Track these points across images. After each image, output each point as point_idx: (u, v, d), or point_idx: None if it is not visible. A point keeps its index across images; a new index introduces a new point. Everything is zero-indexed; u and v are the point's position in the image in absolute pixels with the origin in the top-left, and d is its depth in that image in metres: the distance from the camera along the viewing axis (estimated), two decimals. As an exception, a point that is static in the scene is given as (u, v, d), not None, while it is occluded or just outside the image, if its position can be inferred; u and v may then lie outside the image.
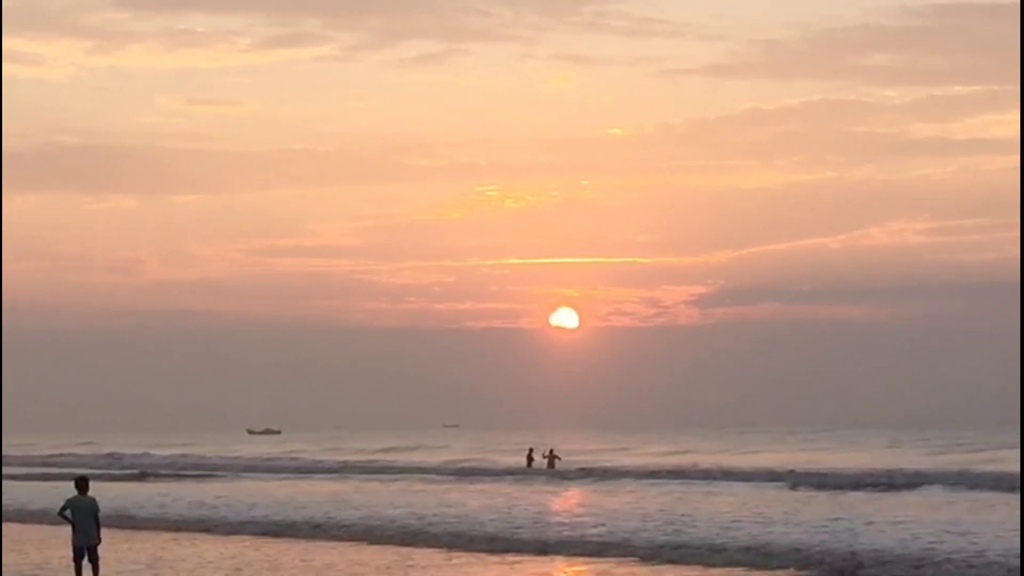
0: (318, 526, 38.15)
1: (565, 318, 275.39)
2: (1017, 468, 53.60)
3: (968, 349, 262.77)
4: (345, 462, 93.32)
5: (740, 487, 54.97)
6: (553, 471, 73.86)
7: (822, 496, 48.20)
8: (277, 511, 43.23)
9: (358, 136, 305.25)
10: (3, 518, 42.94)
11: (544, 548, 31.36)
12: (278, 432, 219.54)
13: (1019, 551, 23.79)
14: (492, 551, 31.08)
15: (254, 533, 37.45)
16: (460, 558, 29.91)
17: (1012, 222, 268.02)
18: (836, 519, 35.47)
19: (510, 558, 29.63)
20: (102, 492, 30.37)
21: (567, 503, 47.05)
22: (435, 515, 39.87)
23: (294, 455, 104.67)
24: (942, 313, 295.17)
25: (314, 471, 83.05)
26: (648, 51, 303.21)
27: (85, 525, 26.81)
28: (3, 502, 47.66)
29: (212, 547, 33.63)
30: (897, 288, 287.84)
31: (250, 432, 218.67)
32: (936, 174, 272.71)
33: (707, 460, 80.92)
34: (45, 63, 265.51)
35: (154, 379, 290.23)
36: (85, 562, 26.88)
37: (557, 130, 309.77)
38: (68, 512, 26.92)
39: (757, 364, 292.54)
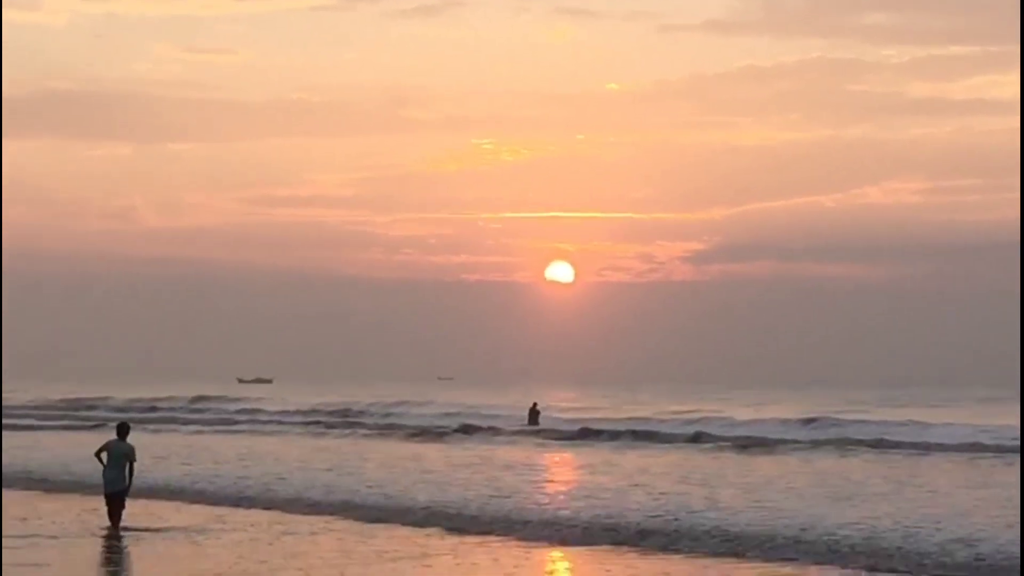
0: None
1: (560, 272, 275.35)
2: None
3: (964, 309, 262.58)
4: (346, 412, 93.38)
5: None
6: (537, 427, 73.63)
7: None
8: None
9: (355, 87, 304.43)
10: None
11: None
12: (269, 381, 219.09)
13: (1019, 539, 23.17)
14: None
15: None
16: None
17: (1009, 183, 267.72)
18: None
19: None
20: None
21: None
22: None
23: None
24: (938, 273, 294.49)
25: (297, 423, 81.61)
26: (646, 6, 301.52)
27: (115, 470, 26.62)
28: None
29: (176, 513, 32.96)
30: (893, 247, 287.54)
31: (240, 381, 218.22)
32: (933, 134, 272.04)
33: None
34: (42, 8, 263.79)
35: (147, 327, 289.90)
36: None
37: (554, 84, 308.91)
38: (103, 455, 26.70)
39: (752, 321, 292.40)
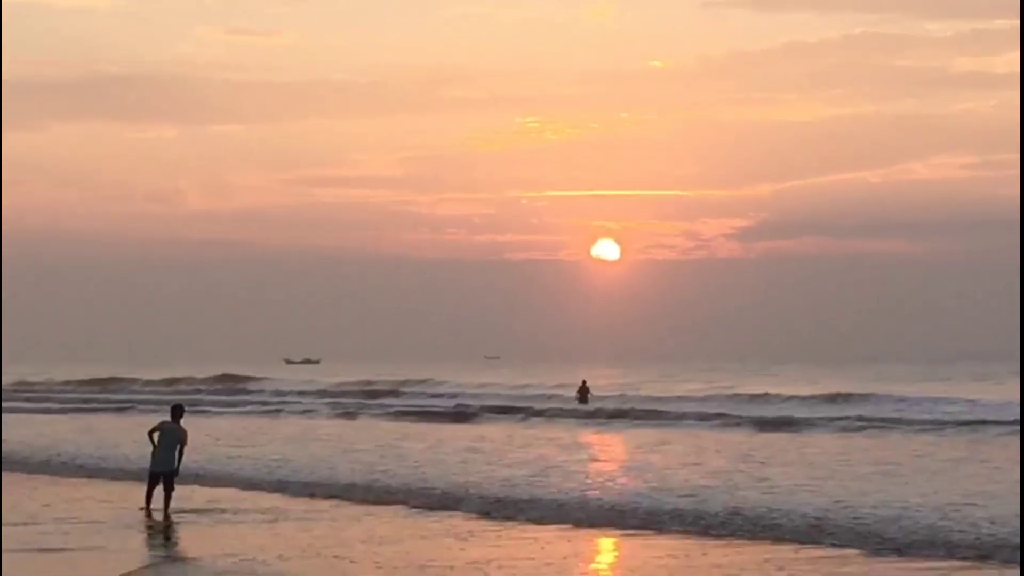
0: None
1: (606, 250, 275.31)
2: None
3: (1009, 283, 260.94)
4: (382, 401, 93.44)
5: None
6: (587, 406, 73.63)
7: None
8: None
9: (398, 67, 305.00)
10: None
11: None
12: (317, 362, 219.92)
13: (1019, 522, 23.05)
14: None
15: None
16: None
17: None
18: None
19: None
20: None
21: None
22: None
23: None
24: (983, 248, 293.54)
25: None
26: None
27: (166, 451, 26.92)
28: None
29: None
30: (938, 223, 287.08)
31: (288, 362, 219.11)
32: (978, 108, 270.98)
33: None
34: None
35: (194, 308, 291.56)
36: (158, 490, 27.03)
37: (597, 62, 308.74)
38: (155, 435, 27.01)
39: (797, 298, 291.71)
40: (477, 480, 32.43)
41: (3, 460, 39.21)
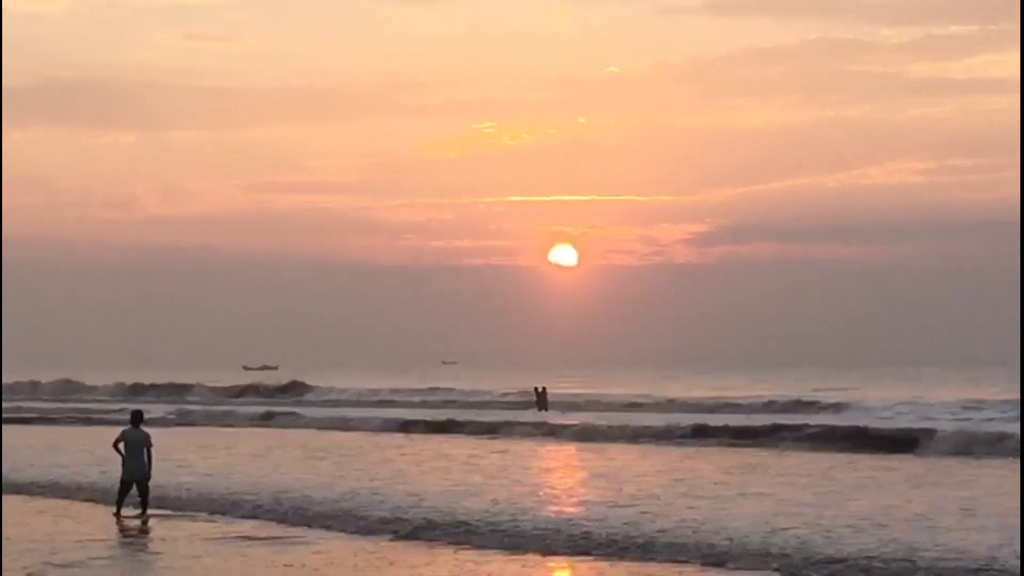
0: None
1: (563, 256, 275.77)
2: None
3: (966, 288, 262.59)
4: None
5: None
6: (546, 411, 73.87)
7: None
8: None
9: (356, 72, 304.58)
10: None
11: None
12: (275, 368, 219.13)
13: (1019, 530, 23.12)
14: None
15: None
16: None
17: (1010, 162, 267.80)
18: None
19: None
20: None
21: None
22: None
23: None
24: (940, 252, 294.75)
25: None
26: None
27: (135, 458, 27.11)
28: None
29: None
30: (895, 228, 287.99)
31: (246, 368, 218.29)
32: (934, 114, 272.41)
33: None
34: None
35: (151, 314, 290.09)
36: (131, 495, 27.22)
37: (554, 68, 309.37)
38: (121, 445, 27.20)
39: (754, 303, 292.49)
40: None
41: None
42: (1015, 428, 46.36)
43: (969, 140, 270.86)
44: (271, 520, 27.06)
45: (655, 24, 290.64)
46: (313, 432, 61.46)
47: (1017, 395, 64.31)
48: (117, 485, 27.61)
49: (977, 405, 67.76)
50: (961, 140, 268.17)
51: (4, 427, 56.51)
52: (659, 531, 23.97)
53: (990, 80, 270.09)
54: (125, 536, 25.24)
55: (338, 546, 23.28)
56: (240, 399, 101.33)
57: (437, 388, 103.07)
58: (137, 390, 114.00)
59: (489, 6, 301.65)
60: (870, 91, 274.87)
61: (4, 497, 30.70)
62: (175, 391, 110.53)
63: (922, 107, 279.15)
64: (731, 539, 22.79)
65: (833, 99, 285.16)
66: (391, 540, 24.01)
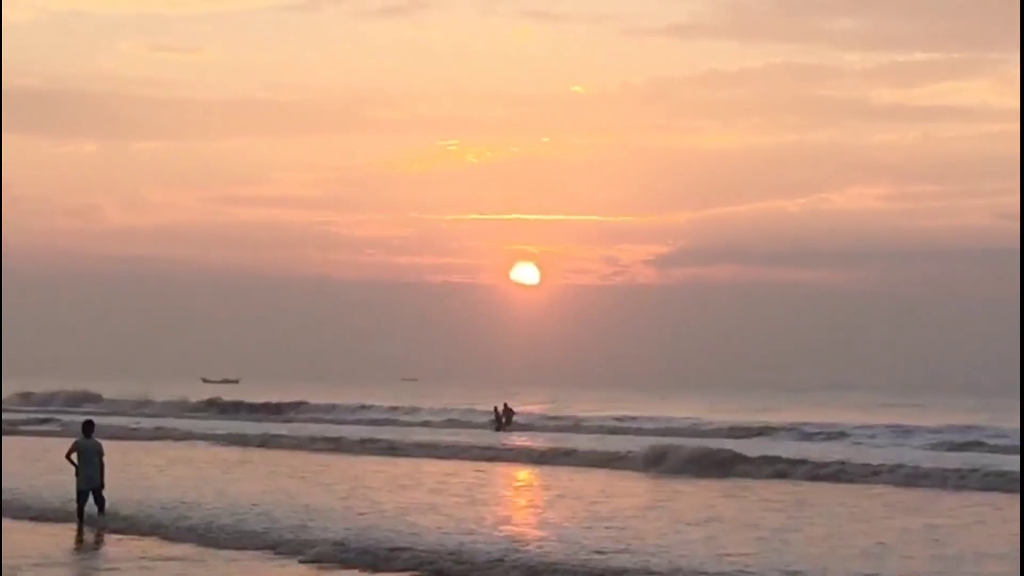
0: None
1: (525, 274, 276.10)
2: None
3: (925, 314, 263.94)
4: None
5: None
6: (510, 427, 73.96)
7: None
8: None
9: (321, 87, 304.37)
10: None
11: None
12: (236, 382, 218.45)
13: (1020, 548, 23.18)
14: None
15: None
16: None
17: (971, 189, 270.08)
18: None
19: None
20: None
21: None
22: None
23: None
24: (900, 278, 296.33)
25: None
26: (611, 9, 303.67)
27: (89, 468, 27.12)
28: None
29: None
30: (855, 253, 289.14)
31: (205, 381, 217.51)
32: (897, 140, 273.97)
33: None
34: (5, 5, 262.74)
35: (111, 325, 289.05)
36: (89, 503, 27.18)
37: (519, 86, 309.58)
38: (74, 455, 27.20)
39: (715, 325, 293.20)
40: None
41: None
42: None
43: (930, 166, 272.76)
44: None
45: (620, 45, 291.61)
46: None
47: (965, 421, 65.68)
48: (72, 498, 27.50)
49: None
50: (923, 167, 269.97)
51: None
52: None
53: (953, 107, 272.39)
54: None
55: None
56: (197, 414, 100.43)
57: (397, 408, 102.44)
58: (91, 399, 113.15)
59: (455, 24, 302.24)
60: (833, 116, 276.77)
61: None
62: (137, 405, 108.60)
63: (885, 133, 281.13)
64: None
65: (796, 123, 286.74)
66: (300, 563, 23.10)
